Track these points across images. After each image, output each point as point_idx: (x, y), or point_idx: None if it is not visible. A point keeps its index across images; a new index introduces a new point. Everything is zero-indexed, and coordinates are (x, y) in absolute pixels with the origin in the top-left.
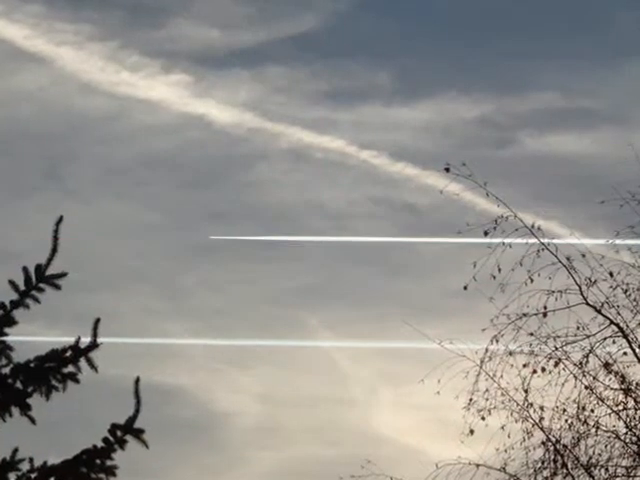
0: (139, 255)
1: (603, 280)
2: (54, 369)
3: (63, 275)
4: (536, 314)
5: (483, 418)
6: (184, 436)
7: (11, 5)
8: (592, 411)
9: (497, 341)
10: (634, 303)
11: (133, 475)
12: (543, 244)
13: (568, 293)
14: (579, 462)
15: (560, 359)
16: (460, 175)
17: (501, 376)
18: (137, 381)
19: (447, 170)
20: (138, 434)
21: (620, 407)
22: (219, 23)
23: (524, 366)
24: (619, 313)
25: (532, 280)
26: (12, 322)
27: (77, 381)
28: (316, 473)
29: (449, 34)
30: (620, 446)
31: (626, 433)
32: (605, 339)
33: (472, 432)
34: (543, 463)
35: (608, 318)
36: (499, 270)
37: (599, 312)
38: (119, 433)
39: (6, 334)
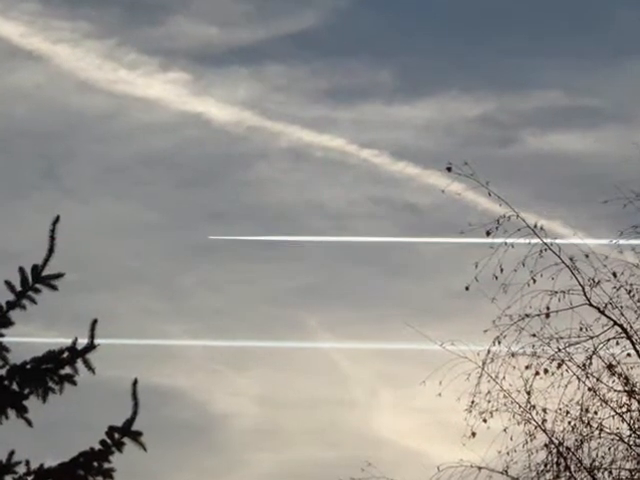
0: (137, 255)
1: (606, 280)
2: (51, 371)
3: (60, 275)
4: (539, 315)
5: (485, 420)
6: (182, 438)
7: (7, 3)
8: (595, 413)
9: (499, 342)
10: (638, 304)
11: (131, 478)
12: (546, 244)
13: (571, 294)
14: (582, 465)
15: (563, 360)
16: (462, 174)
17: (503, 378)
18: (135, 383)
19: (449, 169)
20: (136, 436)
21: (624, 409)
22: (218, 20)
23: (526, 368)
24: (623, 314)
25: (535, 281)
26: (8, 323)
27: (74, 383)
28: (316, 475)
29: (451, 32)
30: (624, 449)
31: (630, 435)
32: (609, 340)
33: (474, 434)
34: (546, 466)
35: (612, 319)
36: (501, 270)
37: (602, 313)
38: (117, 435)
39: (2, 335)
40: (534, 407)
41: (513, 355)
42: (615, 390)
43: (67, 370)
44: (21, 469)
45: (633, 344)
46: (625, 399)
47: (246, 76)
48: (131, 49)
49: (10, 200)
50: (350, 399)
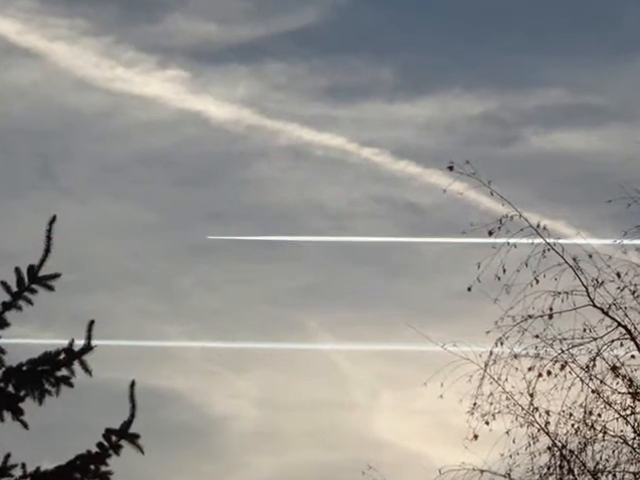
0: (135, 255)
1: (610, 281)
2: (47, 372)
3: (56, 276)
4: (542, 316)
5: (487, 423)
6: (180, 441)
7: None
8: (599, 415)
9: (502, 344)
10: None
11: None
12: (549, 244)
13: (574, 294)
14: (586, 468)
15: (566, 362)
16: (464, 173)
17: (506, 380)
18: (132, 385)
19: (450, 168)
20: (133, 439)
21: (628, 411)
22: (216, 17)
23: (529, 369)
24: (627, 315)
25: (538, 281)
26: (4, 324)
27: (71, 385)
28: (316, 478)
29: (452, 29)
30: (628, 451)
31: (634, 438)
32: (612, 341)
33: (476, 437)
34: (549, 469)
35: (615, 320)
36: (504, 271)
37: (606, 314)
38: (114, 438)
39: None
40: (537, 409)
41: (516, 356)
42: (619, 392)
43: (64, 372)
44: (17, 472)
45: (637, 345)
46: (629, 401)
47: (245, 74)
48: (129, 46)
49: (6, 199)
50: (350, 401)
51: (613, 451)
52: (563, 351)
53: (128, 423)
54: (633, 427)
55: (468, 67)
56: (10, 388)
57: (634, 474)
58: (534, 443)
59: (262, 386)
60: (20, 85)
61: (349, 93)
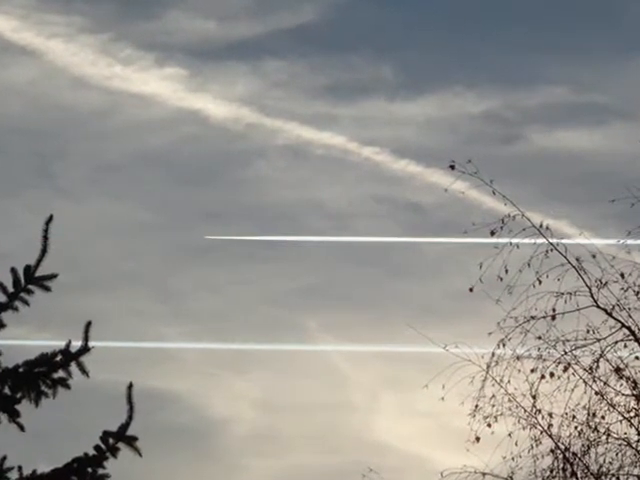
0: (132, 256)
1: (614, 282)
2: (44, 374)
3: (53, 276)
4: (544, 317)
5: (489, 425)
6: (179, 444)
7: None
8: (603, 418)
9: (504, 345)
10: None
11: None
12: (552, 244)
13: (578, 295)
14: (589, 471)
15: (569, 364)
16: (466, 173)
17: (508, 381)
18: (130, 387)
19: (452, 167)
20: (131, 442)
21: (632, 413)
22: (215, 15)
23: (532, 371)
24: (630, 316)
25: (540, 282)
26: (0, 325)
27: (68, 386)
28: None
29: (454, 26)
30: (632, 454)
31: (638, 440)
32: (616, 343)
33: (478, 439)
34: (552, 472)
35: (619, 321)
36: (506, 271)
37: (610, 315)
38: (111, 441)
39: None
40: (540, 411)
41: (518, 358)
42: (623, 394)
43: (60, 373)
44: (13, 475)
45: None
46: (633, 403)
47: (244, 72)
48: (126, 44)
49: (2, 199)
50: (351, 403)
51: (617, 454)
52: (566, 352)
53: (126, 425)
54: (637, 429)
55: (470, 65)
56: (6, 390)
57: (638, 477)
58: (537, 446)
59: (262, 388)
60: (16, 83)
61: (349, 91)
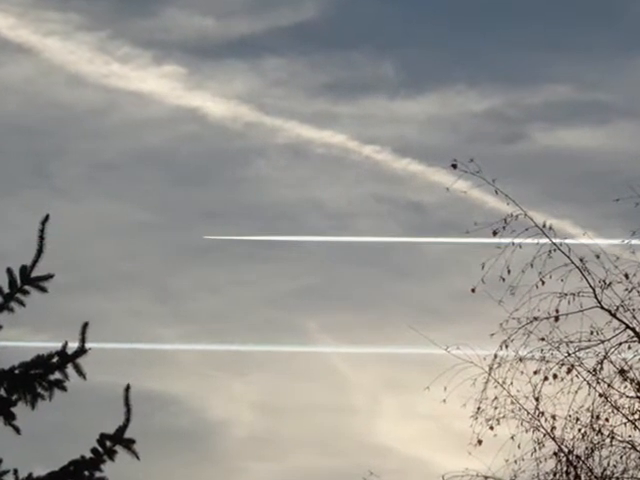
0: (130, 256)
1: (618, 282)
2: (40, 376)
3: (49, 277)
4: (547, 318)
5: (492, 427)
6: (177, 446)
7: None
8: (607, 420)
9: (506, 346)
10: None
11: None
12: (555, 244)
13: (581, 296)
14: (593, 474)
15: (573, 365)
16: (468, 172)
17: (511, 383)
18: (127, 389)
19: (454, 166)
20: (128, 444)
21: (636, 416)
22: (214, 12)
23: (535, 373)
24: (635, 317)
25: (543, 282)
26: None
27: (64, 389)
28: None
29: (456, 23)
30: (636, 457)
31: None
32: (620, 344)
33: (480, 442)
34: (555, 475)
35: (623, 322)
36: (509, 272)
37: (614, 316)
38: (108, 443)
39: None
40: (543, 414)
41: (521, 360)
42: (627, 396)
43: (57, 375)
44: (9, 478)
45: None
46: (637, 405)
47: (243, 69)
48: (124, 42)
49: None
50: (351, 405)
51: (621, 457)
52: (569, 354)
53: (123, 428)
54: None
55: (472, 63)
56: (2, 392)
57: None
58: (540, 448)
59: (261, 390)
60: (12, 81)
61: (350, 89)
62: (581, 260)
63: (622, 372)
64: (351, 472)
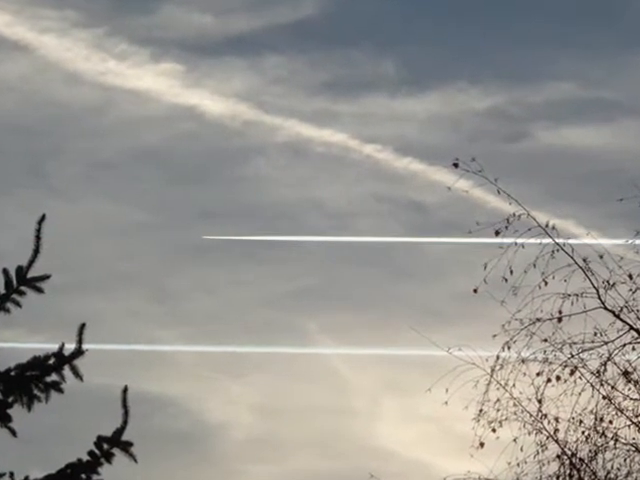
0: (127, 256)
1: (622, 283)
2: (36, 378)
3: (46, 277)
4: (550, 319)
5: (494, 430)
6: (175, 449)
7: None
8: (610, 422)
9: (509, 348)
10: None
11: None
12: (558, 244)
13: (585, 297)
14: (596, 477)
15: (576, 367)
16: (470, 171)
17: (513, 385)
18: (125, 390)
19: (456, 165)
20: (126, 447)
21: None
22: (212, 9)
23: (538, 374)
24: (639, 318)
25: (546, 283)
26: None
27: (61, 390)
28: None
29: (458, 20)
30: None
31: None
32: (624, 346)
33: (482, 445)
34: (558, 478)
35: (627, 323)
36: (511, 272)
37: (618, 317)
38: (106, 446)
39: None
40: (546, 416)
41: (523, 361)
42: (631, 398)
43: (53, 377)
44: None
45: None
46: None
47: (242, 67)
48: (121, 39)
49: None
50: (351, 407)
51: (625, 459)
52: (573, 355)
53: (120, 430)
54: None
55: (474, 60)
56: None
57: None
58: (543, 451)
59: (260, 392)
60: (8, 79)
61: (350, 87)
62: (584, 260)
63: (626, 374)
64: (351, 475)
